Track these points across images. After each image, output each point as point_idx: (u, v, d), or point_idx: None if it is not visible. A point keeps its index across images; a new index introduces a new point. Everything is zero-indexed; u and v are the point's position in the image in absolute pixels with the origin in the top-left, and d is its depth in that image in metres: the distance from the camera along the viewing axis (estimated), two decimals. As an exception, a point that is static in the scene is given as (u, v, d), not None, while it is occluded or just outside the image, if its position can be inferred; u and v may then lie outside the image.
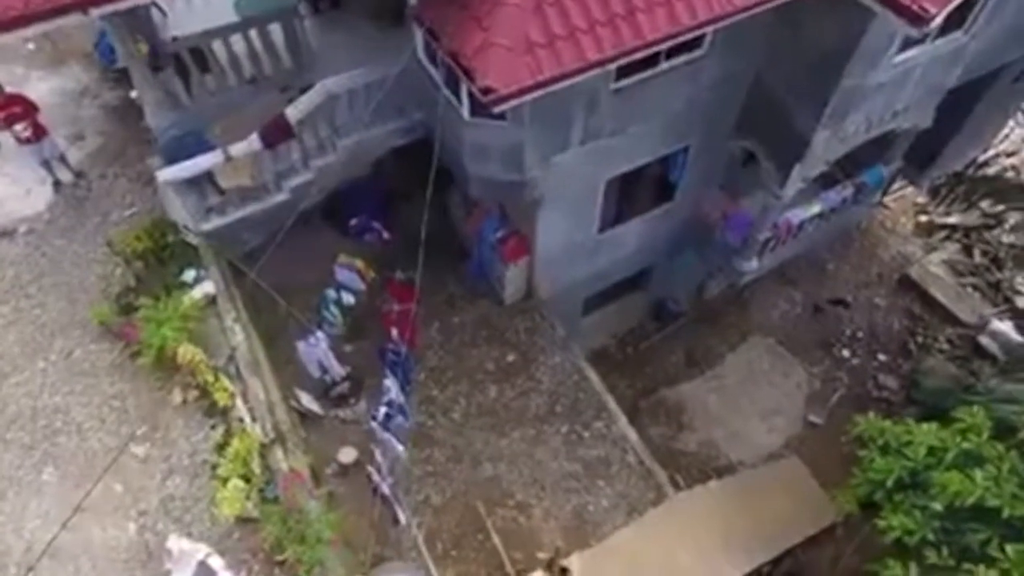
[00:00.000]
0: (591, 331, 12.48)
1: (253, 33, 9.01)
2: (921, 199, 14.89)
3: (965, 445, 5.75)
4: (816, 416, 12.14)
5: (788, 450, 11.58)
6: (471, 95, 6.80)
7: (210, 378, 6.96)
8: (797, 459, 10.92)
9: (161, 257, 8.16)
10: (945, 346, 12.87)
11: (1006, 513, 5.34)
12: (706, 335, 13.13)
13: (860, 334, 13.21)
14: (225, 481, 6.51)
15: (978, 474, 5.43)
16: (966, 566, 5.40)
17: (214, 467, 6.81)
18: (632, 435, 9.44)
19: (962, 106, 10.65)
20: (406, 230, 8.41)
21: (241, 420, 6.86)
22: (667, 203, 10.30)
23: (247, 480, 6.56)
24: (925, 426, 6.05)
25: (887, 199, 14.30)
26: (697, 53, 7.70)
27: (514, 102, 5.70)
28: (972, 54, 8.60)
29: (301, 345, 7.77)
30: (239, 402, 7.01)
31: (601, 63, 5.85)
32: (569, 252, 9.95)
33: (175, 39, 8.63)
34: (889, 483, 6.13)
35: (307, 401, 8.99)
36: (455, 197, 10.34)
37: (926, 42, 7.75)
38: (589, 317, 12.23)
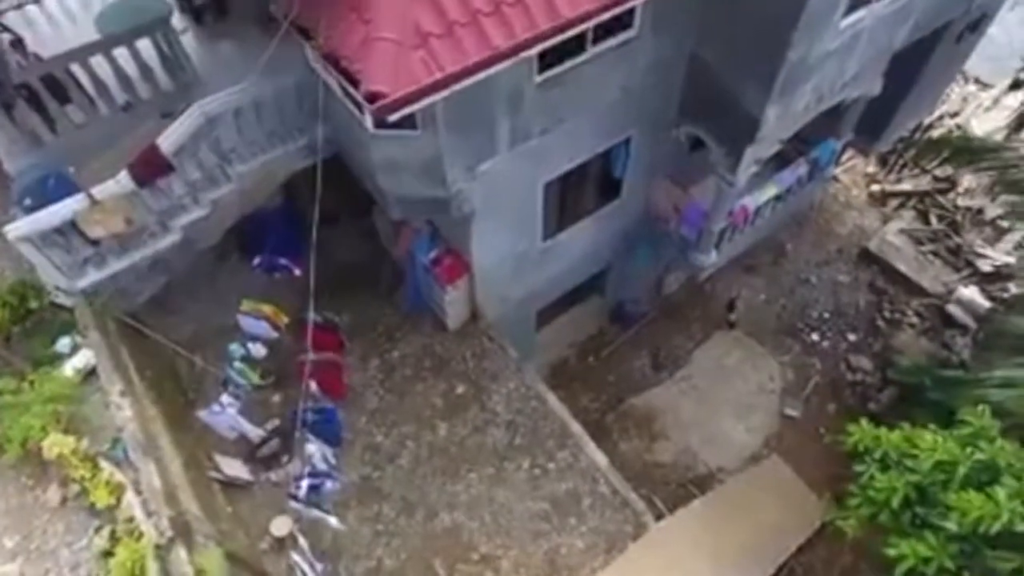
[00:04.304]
0: (548, 344, 11.59)
1: (121, 52, 7.79)
2: (871, 168, 14.46)
3: (978, 456, 5.01)
4: (792, 408, 11.52)
5: (768, 449, 10.94)
6: (370, 103, 5.77)
7: (86, 473, 5.73)
8: (778, 458, 10.28)
9: (25, 328, 6.86)
10: (914, 319, 12.40)
11: (1038, 537, 4.62)
12: (670, 334, 12.42)
13: (827, 315, 12.66)
14: (112, 601, 5.32)
15: (1000, 492, 4.67)
16: (996, 602, 4.67)
17: (102, 581, 5.62)
18: (602, 461, 8.54)
19: (909, 70, 10.10)
20: (330, 260, 7.37)
21: (131, 519, 5.66)
22: (614, 201, 9.46)
23: (141, 596, 5.39)
24: (929, 436, 5.27)
25: (838, 171, 13.81)
26: (629, 34, 6.83)
27: (410, 108, 4.67)
28: (917, 11, 7.98)
29: (204, 415, 6.59)
30: (129, 495, 5.81)
31: (512, 52, 4.87)
32: (513, 266, 9.01)
33: (22, 66, 7.35)
34: (895, 503, 5.35)
35: (231, 468, 7.87)
36: (382, 217, 9.26)
37: (872, 0, 7.07)
38: (544, 330, 11.32)
